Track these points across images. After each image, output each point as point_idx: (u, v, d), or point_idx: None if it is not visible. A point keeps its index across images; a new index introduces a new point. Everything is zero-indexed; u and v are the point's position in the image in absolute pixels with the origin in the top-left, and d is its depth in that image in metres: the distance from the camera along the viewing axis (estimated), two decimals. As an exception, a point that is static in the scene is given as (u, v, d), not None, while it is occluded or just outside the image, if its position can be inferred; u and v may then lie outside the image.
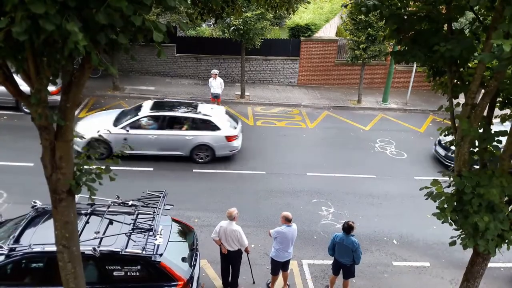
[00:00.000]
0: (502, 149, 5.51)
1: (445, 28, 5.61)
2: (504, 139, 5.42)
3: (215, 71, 16.40)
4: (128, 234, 6.95)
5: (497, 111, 5.88)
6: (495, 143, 5.40)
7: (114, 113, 13.78)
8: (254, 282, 8.56)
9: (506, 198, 5.62)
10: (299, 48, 20.45)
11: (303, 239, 9.93)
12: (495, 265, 9.57)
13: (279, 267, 8.28)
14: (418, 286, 9.04)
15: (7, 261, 6.56)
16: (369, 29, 16.88)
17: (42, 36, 3.21)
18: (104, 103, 17.16)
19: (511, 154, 5.37)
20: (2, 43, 3.24)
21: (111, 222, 7.27)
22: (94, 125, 12.77)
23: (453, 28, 5.60)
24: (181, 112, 13.13)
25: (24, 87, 4.02)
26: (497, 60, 4.37)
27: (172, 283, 6.91)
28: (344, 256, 7.99)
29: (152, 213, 7.35)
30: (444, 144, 13.64)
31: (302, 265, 9.30)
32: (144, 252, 6.74)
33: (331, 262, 8.49)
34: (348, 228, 7.82)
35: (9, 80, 4.01)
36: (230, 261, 8.15)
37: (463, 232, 5.64)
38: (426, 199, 5.78)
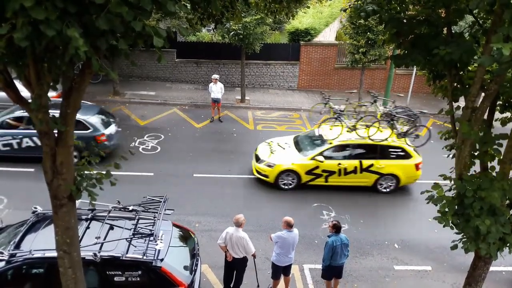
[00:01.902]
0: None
1: (445, 31, 5.63)
2: (504, 142, 5.41)
3: (215, 76, 16.42)
4: (129, 239, 6.94)
5: (497, 114, 5.88)
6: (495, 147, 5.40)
7: None
8: (258, 286, 8.52)
9: (508, 202, 5.61)
10: (299, 52, 20.50)
11: (304, 243, 9.90)
12: (497, 269, 9.53)
13: (279, 271, 8.25)
14: (420, 290, 9.01)
15: (8, 267, 6.53)
16: (368, 33, 16.91)
17: (43, 42, 3.22)
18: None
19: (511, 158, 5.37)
20: (3, 50, 3.25)
21: (111, 227, 7.26)
22: None
23: (453, 31, 5.61)
24: None
25: (25, 93, 4.04)
26: (496, 64, 4.37)
27: (173, 288, 6.88)
28: (343, 256, 8.02)
29: (152, 218, 7.34)
30: None
31: (303, 270, 9.26)
32: (145, 257, 6.73)
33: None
34: (339, 227, 7.94)
35: (10, 86, 4.02)
36: (235, 269, 8.10)
37: (464, 236, 5.62)
38: (427, 203, 5.76)
